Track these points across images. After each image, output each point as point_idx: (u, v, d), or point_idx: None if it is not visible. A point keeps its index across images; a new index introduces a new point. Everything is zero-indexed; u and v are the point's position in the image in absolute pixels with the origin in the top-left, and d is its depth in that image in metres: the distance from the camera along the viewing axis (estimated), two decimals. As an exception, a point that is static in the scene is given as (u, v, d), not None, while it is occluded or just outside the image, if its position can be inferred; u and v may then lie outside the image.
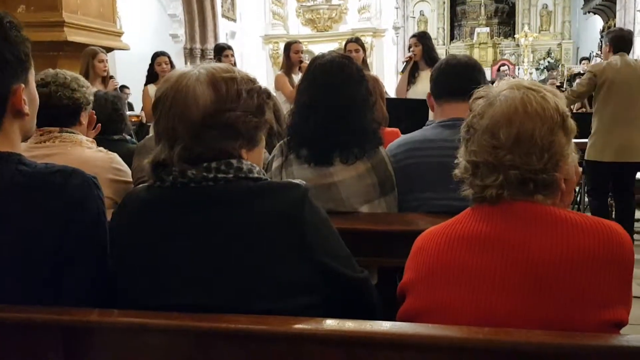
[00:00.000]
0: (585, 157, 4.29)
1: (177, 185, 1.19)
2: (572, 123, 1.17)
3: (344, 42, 5.31)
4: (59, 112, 2.15)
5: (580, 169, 1.22)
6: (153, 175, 1.22)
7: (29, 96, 1.25)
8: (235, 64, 5.45)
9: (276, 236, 1.17)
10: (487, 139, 1.14)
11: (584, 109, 6.67)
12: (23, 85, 1.21)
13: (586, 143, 4.33)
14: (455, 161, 1.24)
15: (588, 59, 12.22)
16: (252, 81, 1.26)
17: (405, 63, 4.86)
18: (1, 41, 1.16)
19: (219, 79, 1.20)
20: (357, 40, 5.02)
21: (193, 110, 1.17)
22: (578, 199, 5.65)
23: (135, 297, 1.19)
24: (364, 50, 4.89)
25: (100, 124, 2.41)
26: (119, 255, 1.24)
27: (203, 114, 1.17)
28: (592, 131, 4.33)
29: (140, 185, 1.30)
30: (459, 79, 1.98)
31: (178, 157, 1.17)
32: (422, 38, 4.88)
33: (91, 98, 2.29)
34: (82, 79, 2.25)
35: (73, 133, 2.22)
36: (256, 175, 1.22)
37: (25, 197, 1.15)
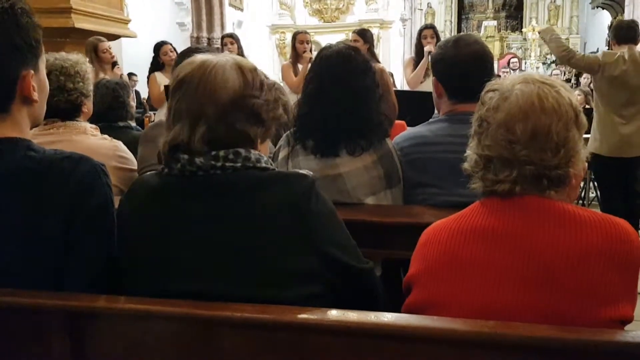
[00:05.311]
0: (588, 149, 4.21)
1: (185, 174, 1.20)
2: (584, 119, 1.17)
3: (350, 33, 5.29)
4: (59, 112, 2.16)
5: (586, 164, 1.22)
6: (168, 155, 1.22)
7: (39, 83, 1.25)
8: (241, 53, 5.43)
9: (282, 226, 1.17)
10: (503, 133, 1.14)
11: (587, 105, 6.64)
12: (32, 72, 1.21)
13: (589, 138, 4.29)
14: (464, 155, 1.23)
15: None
16: (266, 76, 1.31)
17: (429, 53, 4.79)
18: (12, 26, 1.16)
19: (245, 66, 1.24)
20: (359, 32, 4.98)
21: (222, 92, 1.19)
22: (582, 194, 5.64)
23: (139, 282, 1.20)
24: (368, 41, 4.84)
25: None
26: (125, 241, 1.25)
27: (232, 96, 1.20)
28: (593, 124, 4.26)
29: (148, 173, 1.31)
30: (465, 80, 1.89)
31: (200, 137, 1.18)
32: (437, 31, 4.99)
33: (91, 87, 2.29)
34: (79, 67, 2.22)
35: (77, 121, 2.23)
36: (264, 165, 1.23)
37: (33, 182, 1.15)
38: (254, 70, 1.26)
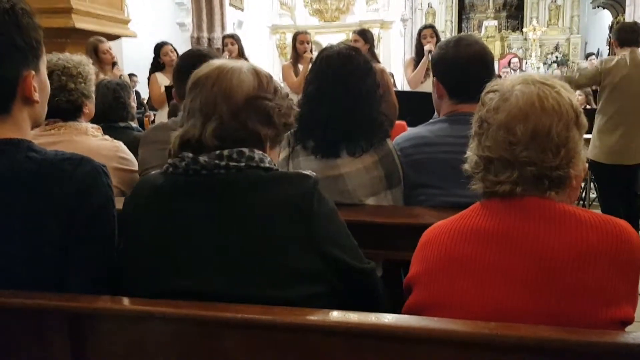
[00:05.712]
0: (587, 155, 4.18)
1: (189, 172, 1.21)
2: (584, 119, 1.17)
3: (351, 33, 5.29)
4: (59, 112, 2.16)
5: (587, 165, 1.22)
6: (178, 150, 1.24)
7: (40, 84, 1.25)
8: (241, 53, 5.43)
9: (284, 226, 1.18)
10: (503, 134, 1.14)
11: (588, 105, 6.64)
12: (33, 72, 1.21)
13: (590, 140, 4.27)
14: (465, 156, 1.23)
15: (595, 54, 12.12)
16: (280, 86, 1.35)
17: (429, 52, 4.80)
18: (13, 27, 1.16)
19: (260, 72, 1.29)
20: (359, 32, 4.99)
21: (238, 90, 1.23)
22: (583, 195, 5.64)
23: (141, 282, 1.20)
24: (368, 41, 4.83)
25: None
26: (129, 241, 1.25)
27: (246, 95, 1.24)
28: (594, 130, 4.25)
29: (153, 172, 1.32)
30: (466, 80, 1.89)
31: (212, 132, 1.21)
32: (436, 31, 5.01)
33: (92, 88, 2.30)
34: (82, 67, 2.23)
35: (78, 122, 2.23)
36: (267, 165, 1.23)
37: (34, 183, 1.15)
38: (270, 77, 1.31)
